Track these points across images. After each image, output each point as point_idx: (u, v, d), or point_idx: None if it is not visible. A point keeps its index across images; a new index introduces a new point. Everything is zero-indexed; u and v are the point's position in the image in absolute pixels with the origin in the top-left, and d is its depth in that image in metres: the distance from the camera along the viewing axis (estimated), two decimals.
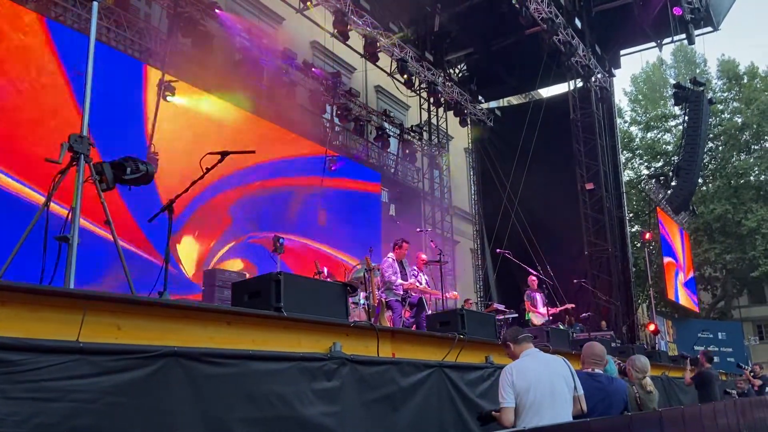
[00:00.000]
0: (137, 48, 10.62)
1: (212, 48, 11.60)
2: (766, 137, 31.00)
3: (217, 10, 11.77)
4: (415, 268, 8.81)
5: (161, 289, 3.82)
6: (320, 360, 3.71)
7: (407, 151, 17.85)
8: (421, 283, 8.64)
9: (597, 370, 4.69)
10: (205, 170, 4.24)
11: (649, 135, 33.54)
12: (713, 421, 6.25)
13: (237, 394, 3.18)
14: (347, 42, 13.77)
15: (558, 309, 11.41)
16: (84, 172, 3.66)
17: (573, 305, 11.73)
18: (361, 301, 7.63)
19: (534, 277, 11.15)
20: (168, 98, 10.31)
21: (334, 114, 15.21)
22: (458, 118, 17.67)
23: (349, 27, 13.12)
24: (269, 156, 12.12)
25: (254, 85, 12.69)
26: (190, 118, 10.77)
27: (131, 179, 4.00)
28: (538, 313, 10.82)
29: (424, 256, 9.49)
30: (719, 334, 23.37)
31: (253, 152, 4.87)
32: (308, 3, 13.01)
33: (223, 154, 4.34)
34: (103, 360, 2.63)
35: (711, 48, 35.51)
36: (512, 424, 3.85)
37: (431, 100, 17.29)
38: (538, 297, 11.05)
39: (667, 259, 21.25)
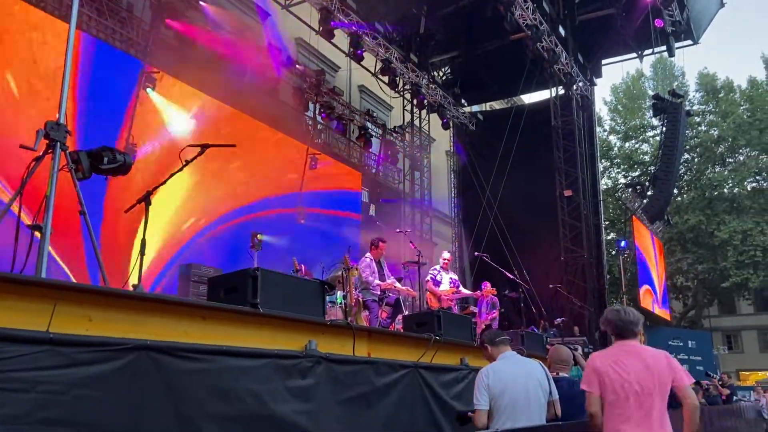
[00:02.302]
0: (119, 38, 10.46)
1: (195, 40, 11.47)
2: (740, 150, 31.55)
3: (201, 3, 11.65)
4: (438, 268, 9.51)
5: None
6: (295, 357, 3.68)
7: (389, 152, 17.85)
8: (442, 283, 9.31)
9: (562, 374, 4.71)
10: (184, 162, 4.19)
11: (627, 144, 33.96)
12: (681, 428, 6.32)
13: (210, 389, 3.14)
14: (332, 40, 13.73)
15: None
16: (60, 161, 3.60)
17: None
18: (339, 300, 7.60)
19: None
20: (148, 89, 10.18)
21: (317, 112, 15.15)
22: (441, 121, 17.73)
23: (334, 26, 13.09)
24: (249, 150, 12.00)
25: (237, 79, 12.57)
26: (170, 109, 10.63)
27: (108, 169, 3.94)
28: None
29: (447, 255, 9.91)
30: (689, 342, 23.71)
31: (234, 146, 4.80)
32: None
33: (203, 147, 4.29)
34: (73, 351, 2.58)
35: (689, 61, 36.11)
36: (485, 426, 3.86)
37: (414, 101, 17.30)
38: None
39: (643, 288, 21.46)
